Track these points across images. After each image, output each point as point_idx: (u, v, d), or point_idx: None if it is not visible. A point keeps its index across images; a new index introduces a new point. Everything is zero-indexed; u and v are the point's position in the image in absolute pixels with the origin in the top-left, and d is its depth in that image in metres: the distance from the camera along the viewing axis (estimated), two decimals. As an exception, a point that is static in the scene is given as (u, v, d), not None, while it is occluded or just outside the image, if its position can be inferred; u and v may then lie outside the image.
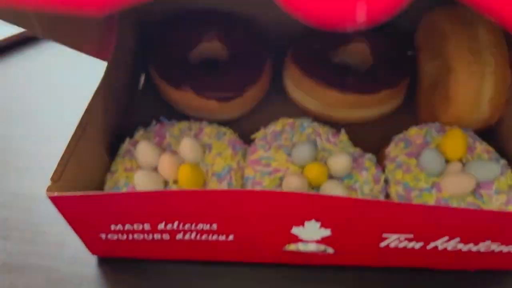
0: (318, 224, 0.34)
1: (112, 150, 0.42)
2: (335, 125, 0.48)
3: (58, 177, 0.33)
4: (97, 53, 0.45)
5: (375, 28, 0.52)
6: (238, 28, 0.50)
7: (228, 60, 0.48)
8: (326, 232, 0.35)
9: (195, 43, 0.49)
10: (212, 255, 0.39)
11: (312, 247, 0.37)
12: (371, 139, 0.48)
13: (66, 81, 0.58)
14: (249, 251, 0.39)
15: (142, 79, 0.54)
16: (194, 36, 0.49)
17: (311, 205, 0.32)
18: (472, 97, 0.40)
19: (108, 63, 0.40)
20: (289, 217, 0.34)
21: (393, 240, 0.35)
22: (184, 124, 0.43)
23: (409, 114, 0.50)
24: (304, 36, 0.49)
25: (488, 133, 0.44)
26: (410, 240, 0.35)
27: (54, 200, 0.31)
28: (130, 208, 0.34)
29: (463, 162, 0.40)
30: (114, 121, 0.44)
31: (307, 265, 0.40)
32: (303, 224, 0.34)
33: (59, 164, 0.33)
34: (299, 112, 0.50)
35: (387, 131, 0.48)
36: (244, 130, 0.48)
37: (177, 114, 0.49)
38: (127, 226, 0.35)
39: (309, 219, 0.34)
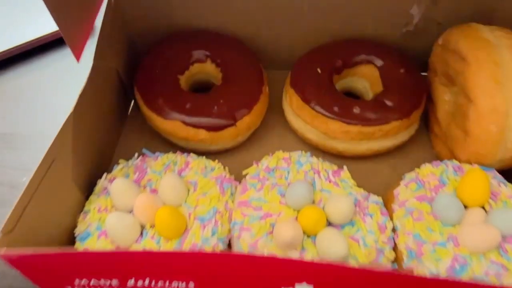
0: (311, 287, 0.29)
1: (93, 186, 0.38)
2: (338, 157, 0.44)
3: (11, 227, 0.29)
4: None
5: (385, 48, 0.47)
6: (233, 49, 0.46)
7: (221, 84, 0.44)
8: (321, 295, 0.30)
9: (186, 65, 0.45)
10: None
11: (306, 308, 0.32)
12: (378, 175, 0.43)
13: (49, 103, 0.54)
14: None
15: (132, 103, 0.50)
16: (186, 57, 0.45)
17: (302, 270, 0.27)
18: (496, 133, 0.35)
19: (84, 87, 0.36)
20: (277, 280, 0.29)
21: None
22: (168, 158, 0.39)
23: (423, 145, 0.45)
24: (305, 57, 0.45)
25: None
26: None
27: (3, 258, 0.27)
28: (93, 263, 0.29)
29: (486, 210, 0.34)
30: (95, 153, 0.40)
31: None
32: (293, 286, 0.29)
33: (12, 212, 0.29)
34: (299, 141, 0.46)
35: (397, 166, 0.44)
36: (237, 161, 0.44)
37: (166, 143, 0.45)
38: (93, 282, 0.31)
39: (300, 281, 0.29)
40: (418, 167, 0.43)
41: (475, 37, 0.36)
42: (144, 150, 0.40)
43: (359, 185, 0.42)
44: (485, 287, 0.26)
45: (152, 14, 0.48)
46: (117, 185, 0.35)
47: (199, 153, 0.44)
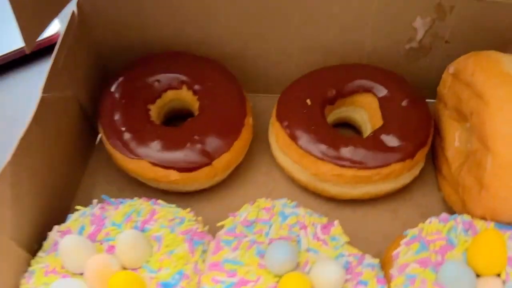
0: None
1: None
2: (331, 200, 0.38)
3: None
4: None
5: (385, 74, 0.41)
6: (213, 73, 0.40)
7: (196, 116, 0.38)
8: None
9: (158, 93, 0.39)
10: None
11: None
12: (377, 223, 0.38)
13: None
14: None
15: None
16: (158, 83, 0.40)
17: None
18: (516, 188, 0.29)
19: (27, 127, 0.31)
20: None
21: None
22: (130, 206, 0.34)
23: (429, 185, 0.39)
24: (293, 86, 0.39)
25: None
26: None
27: None
28: None
29: (503, 279, 0.29)
30: (47, 199, 0.35)
31: None
32: None
33: None
34: (288, 180, 0.40)
35: (399, 211, 0.38)
36: (215, 204, 0.39)
37: (137, 181, 0.39)
38: None
39: None
40: (424, 212, 0.38)
41: (494, 71, 0.30)
42: (103, 197, 0.34)
43: (354, 234, 0.36)
44: None
45: (124, 33, 0.42)
46: (66, 243, 0.30)
47: (172, 193, 0.39)
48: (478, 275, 0.29)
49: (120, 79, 0.39)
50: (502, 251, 0.29)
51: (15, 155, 0.29)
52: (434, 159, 0.40)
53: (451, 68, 0.36)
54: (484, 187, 0.30)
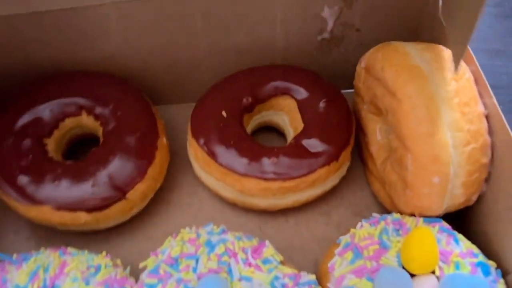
0: None
1: None
2: (262, 212, 0.36)
3: None
4: None
5: (300, 73, 0.39)
6: (115, 92, 0.36)
7: (101, 145, 0.34)
8: None
9: (53, 124, 0.35)
10: None
11: None
12: (311, 228, 0.36)
13: None
14: None
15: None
16: (53, 112, 0.35)
17: None
18: (440, 185, 0.28)
19: None
20: None
21: None
22: (36, 262, 0.29)
23: (358, 181, 0.39)
24: (205, 98, 0.36)
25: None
26: None
27: None
28: None
29: (437, 275, 0.29)
30: None
31: None
32: None
33: None
34: (214, 197, 0.37)
35: (331, 212, 0.37)
36: (136, 239, 0.35)
37: (44, 229, 0.35)
38: None
39: None
40: (356, 211, 0.37)
41: (403, 65, 0.29)
42: (1, 256, 0.30)
43: (289, 244, 0.35)
44: None
45: (5, 54, 0.36)
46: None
47: (86, 232, 0.35)
48: (413, 275, 0.29)
49: (5, 113, 0.34)
50: (433, 249, 0.28)
51: None
52: (360, 155, 0.39)
53: (362, 63, 0.35)
54: (408, 186, 0.30)
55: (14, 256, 0.30)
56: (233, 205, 0.36)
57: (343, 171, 0.36)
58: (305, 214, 0.37)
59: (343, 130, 0.35)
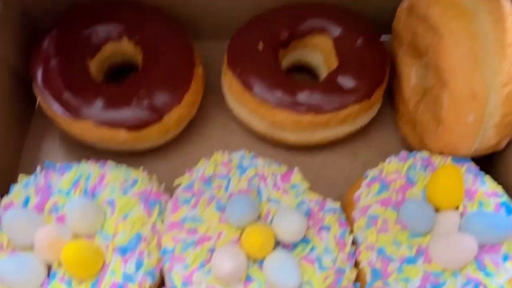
0: None
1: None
2: (291, 148, 0.37)
3: None
4: None
5: (339, 12, 0.39)
6: (156, 20, 0.37)
7: (141, 69, 0.35)
8: None
9: (96, 46, 0.36)
10: None
11: None
12: (338, 167, 0.37)
13: None
14: None
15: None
16: (94, 35, 0.36)
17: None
18: (474, 123, 0.29)
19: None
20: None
21: None
22: (77, 171, 0.31)
23: (387, 125, 0.39)
24: (243, 30, 0.36)
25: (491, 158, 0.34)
26: None
27: None
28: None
29: (460, 211, 0.29)
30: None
31: None
32: None
33: None
34: (245, 131, 0.38)
35: (359, 153, 0.38)
36: (170, 162, 0.37)
37: (84, 146, 0.36)
38: None
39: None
40: (383, 153, 0.38)
41: (449, 3, 0.29)
42: (47, 163, 0.32)
43: (315, 180, 0.36)
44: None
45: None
46: (9, 218, 0.28)
47: (124, 154, 0.37)
48: (437, 210, 0.29)
49: (52, 34, 0.35)
50: (459, 185, 0.29)
51: None
52: (392, 98, 0.39)
53: (405, 2, 0.34)
54: (441, 123, 0.30)
55: (58, 165, 0.32)
56: (263, 140, 0.38)
57: (374, 111, 0.37)
58: (333, 153, 0.38)
59: (378, 69, 0.35)
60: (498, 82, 0.28)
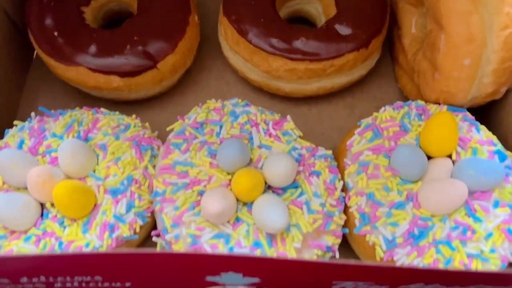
0: (240, 275, 0.24)
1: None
2: (286, 99, 0.37)
3: None
4: None
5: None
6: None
7: (135, 15, 0.35)
8: (254, 280, 0.25)
9: (91, -7, 0.35)
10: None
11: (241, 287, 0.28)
12: (333, 119, 0.37)
13: None
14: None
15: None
16: (89, -19, 0.35)
17: (223, 261, 0.22)
18: (470, 68, 0.28)
19: None
20: (199, 270, 0.24)
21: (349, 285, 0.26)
22: (71, 117, 0.31)
23: (386, 77, 0.38)
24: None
25: (488, 108, 0.33)
26: (371, 285, 0.25)
27: None
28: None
29: (453, 160, 0.29)
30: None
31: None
32: (219, 275, 0.24)
33: None
34: (241, 81, 0.38)
35: (355, 105, 0.37)
36: (165, 112, 0.37)
37: (80, 95, 0.37)
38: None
39: (226, 271, 0.24)
40: (380, 105, 0.37)
41: None
42: (40, 108, 0.32)
43: (310, 131, 0.36)
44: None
45: None
46: (3, 157, 0.28)
47: (120, 103, 0.37)
48: (430, 158, 0.29)
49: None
50: (453, 132, 0.29)
51: None
52: (391, 50, 0.38)
53: None
54: (437, 68, 0.29)
55: (52, 111, 0.32)
56: (259, 91, 0.37)
57: (371, 62, 0.36)
58: (329, 105, 0.37)
59: (377, 18, 0.34)
60: (497, 25, 0.27)
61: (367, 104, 0.37)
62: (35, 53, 0.40)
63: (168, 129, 0.32)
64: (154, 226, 0.31)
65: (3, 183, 0.29)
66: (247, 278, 0.25)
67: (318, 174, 0.29)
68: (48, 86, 0.38)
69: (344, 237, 0.30)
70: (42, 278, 0.25)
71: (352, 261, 0.21)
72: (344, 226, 0.29)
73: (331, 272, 0.23)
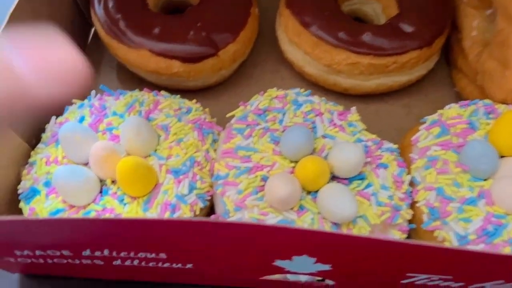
0: (312, 260, 0.23)
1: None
2: (342, 96, 0.36)
3: None
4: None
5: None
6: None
7: (199, 3, 0.35)
8: (324, 267, 0.24)
9: (154, -20, 0.36)
10: (166, 278, 0.29)
11: (304, 278, 0.27)
12: (391, 118, 0.36)
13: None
14: (215, 278, 0.28)
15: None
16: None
17: (301, 241, 0.21)
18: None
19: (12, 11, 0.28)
20: (270, 252, 0.23)
21: (421, 279, 0.24)
22: (132, 96, 0.31)
23: (442, 81, 0.38)
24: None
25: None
26: (446, 280, 0.24)
27: None
28: (35, 234, 0.23)
29: (524, 159, 0.28)
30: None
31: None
32: (290, 259, 0.23)
33: None
34: (296, 77, 0.38)
35: (412, 106, 0.37)
36: (221, 102, 0.37)
37: (135, 80, 0.37)
38: (38, 252, 0.25)
39: (300, 254, 0.23)
40: (438, 107, 0.36)
41: None
42: (102, 87, 0.32)
43: (367, 128, 0.35)
44: None
45: None
46: (66, 131, 0.28)
47: (174, 91, 0.36)
48: (500, 156, 0.28)
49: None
50: (525, 131, 0.28)
51: (6, 28, 0.26)
52: (449, 54, 0.38)
53: None
54: (508, 66, 0.29)
55: (112, 91, 0.32)
56: (315, 86, 0.37)
57: (431, 63, 0.35)
58: (386, 103, 0.37)
59: (440, 18, 0.34)
60: None
61: (425, 105, 0.37)
62: (90, 37, 0.40)
63: (228, 115, 0.31)
64: (209, 213, 0.30)
65: (63, 157, 0.29)
66: (318, 264, 0.24)
67: (385, 166, 0.28)
68: (100, 71, 0.38)
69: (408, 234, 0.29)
70: (106, 252, 0.24)
71: (441, 245, 0.20)
72: (410, 221, 0.28)
73: (408, 260, 0.22)
